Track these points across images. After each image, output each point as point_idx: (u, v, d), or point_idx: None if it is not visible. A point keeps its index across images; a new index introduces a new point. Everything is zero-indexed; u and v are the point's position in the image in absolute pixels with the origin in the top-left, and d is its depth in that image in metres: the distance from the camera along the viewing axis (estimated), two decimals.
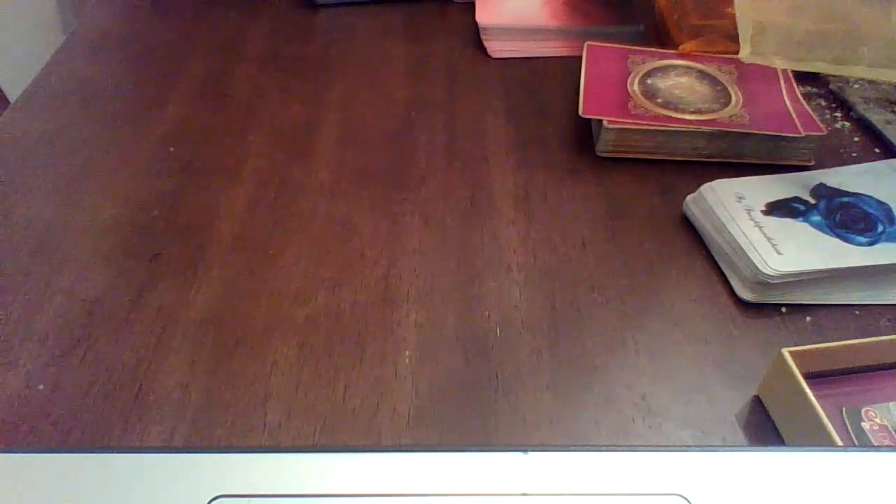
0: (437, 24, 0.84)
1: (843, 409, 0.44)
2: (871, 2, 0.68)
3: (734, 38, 0.71)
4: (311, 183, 0.61)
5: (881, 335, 0.48)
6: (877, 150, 0.66)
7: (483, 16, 0.84)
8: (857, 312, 0.51)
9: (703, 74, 0.70)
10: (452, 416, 0.44)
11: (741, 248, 0.52)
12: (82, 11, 0.87)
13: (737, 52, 0.71)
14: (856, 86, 0.73)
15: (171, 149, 0.65)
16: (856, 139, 0.67)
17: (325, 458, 0.30)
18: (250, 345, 0.48)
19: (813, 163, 0.64)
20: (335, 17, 0.85)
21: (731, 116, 0.64)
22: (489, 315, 0.51)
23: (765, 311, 0.51)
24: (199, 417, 0.44)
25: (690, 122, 0.63)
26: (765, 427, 0.44)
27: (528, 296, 0.52)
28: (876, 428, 0.43)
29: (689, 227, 0.58)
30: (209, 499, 0.28)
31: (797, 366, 0.42)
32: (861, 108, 0.70)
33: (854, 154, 0.66)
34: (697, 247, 0.56)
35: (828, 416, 0.40)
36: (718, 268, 0.54)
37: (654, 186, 0.62)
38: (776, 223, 0.54)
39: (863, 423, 0.43)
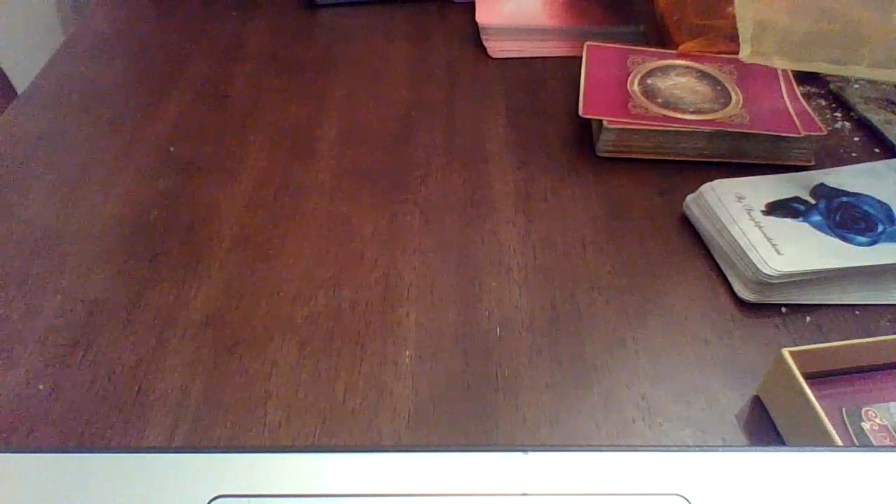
0: (437, 24, 0.84)
1: (843, 409, 0.44)
2: (871, 2, 0.68)
3: (734, 38, 0.71)
4: (311, 183, 0.61)
5: (881, 335, 0.48)
6: (877, 150, 0.66)
7: (483, 16, 0.84)
8: (857, 312, 0.51)
9: (703, 74, 0.70)
10: (452, 415, 0.44)
11: (741, 248, 0.52)
12: (82, 11, 0.87)
13: (737, 52, 0.71)
14: (856, 86, 0.73)
15: (171, 149, 0.65)
16: (856, 139, 0.67)
17: (325, 458, 0.30)
18: (250, 345, 0.48)
19: (813, 163, 0.64)
20: (335, 17, 0.85)
21: (731, 116, 0.64)
22: (489, 315, 0.51)
23: (765, 311, 0.51)
24: (199, 417, 0.44)
25: (690, 122, 0.63)
26: (765, 427, 0.44)
27: (528, 296, 0.52)
28: (876, 428, 0.43)
29: (689, 227, 0.58)
30: (209, 499, 0.28)
31: (797, 366, 0.42)
32: (861, 108, 0.70)
33: (854, 154, 0.66)
34: (697, 247, 0.56)
35: (828, 416, 0.40)
36: (718, 268, 0.54)
37: (654, 186, 0.62)
38: (776, 223, 0.54)
39: (863, 423, 0.43)
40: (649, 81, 0.69)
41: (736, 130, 0.62)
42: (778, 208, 0.56)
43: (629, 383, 0.47)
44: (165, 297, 0.51)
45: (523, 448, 0.30)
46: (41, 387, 0.45)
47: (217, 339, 0.49)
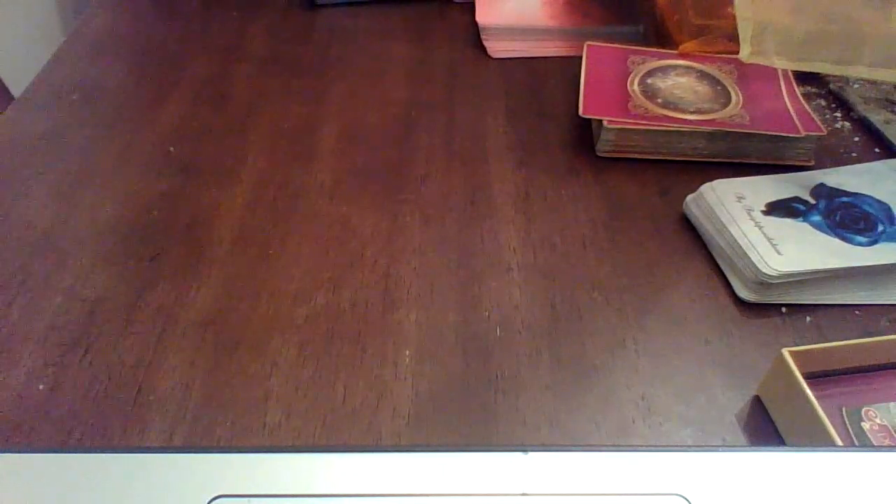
0: (437, 24, 0.84)
1: (843, 409, 0.44)
2: (871, 2, 0.68)
3: (734, 38, 0.71)
4: (311, 183, 0.61)
5: (881, 335, 0.48)
6: (877, 150, 0.66)
7: (483, 16, 0.84)
8: (857, 312, 0.51)
9: (703, 74, 0.70)
10: (452, 416, 0.44)
11: (741, 248, 0.52)
12: (82, 11, 0.87)
13: (737, 52, 0.71)
14: (856, 86, 0.73)
15: (171, 149, 0.65)
16: (856, 139, 0.67)
17: (325, 458, 0.30)
18: (250, 345, 0.48)
19: (813, 163, 0.64)
20: (335, 18, 0.85)
21: (731, 116, 0.64)
22: (489, 315, 0.51)
23: (765, 311, 0.51)
24: (199, 417, 0.44)
25: (690, 122, 0.63)
26: (765, 427, 0.44)
27: (528, 296, 0.52)
28: (876, 428, 0.43)
29: (689, 227, 0.58)
30: (209, 499, 0.28)
31: (797, 366, 0.42)
32: (861, 108, 0.70)
33: (854, 154, 0.66)
34: (697, 247, 0.56)
35: (828, 416, 0.40)
36: (718, 268, 0.54)
37: (654, 186, 0.62)
38: (776, 223, 0.54)
39: (863, 423, 0.43)
40: (649, 81, 0.69)
41: (736, 130, 0.62)
42: (778, 208, 0.56)
43: (629, 383, 0.47)
44: (165, 297, 0.51)
45: (523, 448, 0.30)
46: (41, 387, 0.45)
47: (217, 339, 0.49)
